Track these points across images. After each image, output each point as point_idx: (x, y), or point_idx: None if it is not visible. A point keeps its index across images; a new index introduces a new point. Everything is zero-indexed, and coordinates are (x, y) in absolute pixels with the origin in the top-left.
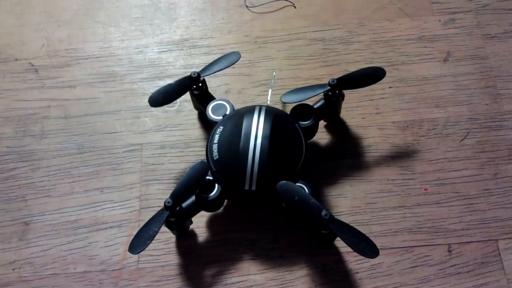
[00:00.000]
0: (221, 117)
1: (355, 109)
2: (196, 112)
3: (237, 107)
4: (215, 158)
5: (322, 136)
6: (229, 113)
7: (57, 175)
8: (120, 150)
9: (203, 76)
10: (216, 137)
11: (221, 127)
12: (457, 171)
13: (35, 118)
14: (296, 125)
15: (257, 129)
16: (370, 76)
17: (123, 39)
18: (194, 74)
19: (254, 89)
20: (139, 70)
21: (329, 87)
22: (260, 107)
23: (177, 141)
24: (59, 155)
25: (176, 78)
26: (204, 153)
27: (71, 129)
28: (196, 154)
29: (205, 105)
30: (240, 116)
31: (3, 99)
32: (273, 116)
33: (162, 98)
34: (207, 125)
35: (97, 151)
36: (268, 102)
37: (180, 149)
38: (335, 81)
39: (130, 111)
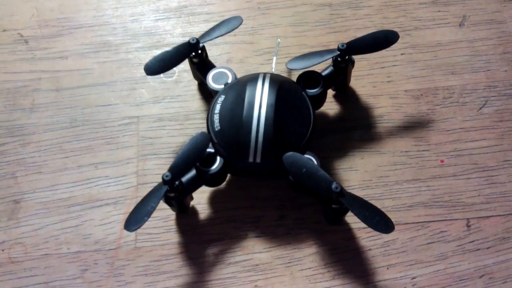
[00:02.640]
0: (222, 86)
1: (366, 77)
2: (196, 82)
3: (239, 76)
4: (216, 129)
5: (330, 106)
6: (231, 82)
7: (48, 151)
8: (116, 124)
9: (202, 43)
10: (217, 107)
11: (223, 96)
12: (475, 141)
13: (25, 91)
14: (303, 93)
15: (261, 97)
16: (382, 39)
17: (117, 7)
18: (193, 40)
19: (257, 58)
20: (134, 39)
21: (338, 52)
22: (264, 74)
23: (176, 113)
24: (50, 129)
25: None
26: (205, 125)
27: (63, 102)
28: (196, 126)
29: (205, 75)
30: (242, 84)
31: None
32: (278, 83)
33: (159, 66)
34: (208, 96)
35: (91, 124)
36: (273, 70)
37: (179, 122)
38: (345, 45)
39: (126, 82)
